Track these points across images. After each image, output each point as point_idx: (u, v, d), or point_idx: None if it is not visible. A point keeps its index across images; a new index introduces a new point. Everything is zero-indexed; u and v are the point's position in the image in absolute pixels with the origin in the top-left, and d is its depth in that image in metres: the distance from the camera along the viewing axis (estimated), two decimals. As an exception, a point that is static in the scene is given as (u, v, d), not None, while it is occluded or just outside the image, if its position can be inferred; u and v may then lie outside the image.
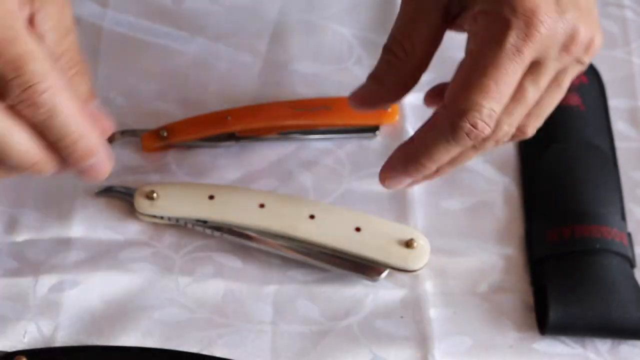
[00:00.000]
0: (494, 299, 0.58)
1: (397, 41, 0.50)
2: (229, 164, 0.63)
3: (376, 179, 0.62)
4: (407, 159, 0.51)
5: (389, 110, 0.63)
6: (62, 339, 0.55)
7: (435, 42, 0.50)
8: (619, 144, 0.64)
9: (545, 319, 0.55)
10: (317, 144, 0.64)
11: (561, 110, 0.63)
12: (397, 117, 0.64)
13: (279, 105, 0.63)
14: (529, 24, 0.45)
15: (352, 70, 0.67)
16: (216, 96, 0.66)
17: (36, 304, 0.56)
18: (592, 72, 0.66)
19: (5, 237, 0.59)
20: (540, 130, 0.63)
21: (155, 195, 0.59)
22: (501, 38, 0.46)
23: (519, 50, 0.46)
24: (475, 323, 0.57)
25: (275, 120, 0.62)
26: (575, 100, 0.64)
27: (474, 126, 0.47)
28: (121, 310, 0.56)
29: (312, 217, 0.58)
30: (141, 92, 0.65)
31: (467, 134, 0.47)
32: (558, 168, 0.61)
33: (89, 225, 0.60)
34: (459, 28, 0.51)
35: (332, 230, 0.57)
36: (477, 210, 0.61)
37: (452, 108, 0.47)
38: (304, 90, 0.66)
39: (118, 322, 0.56)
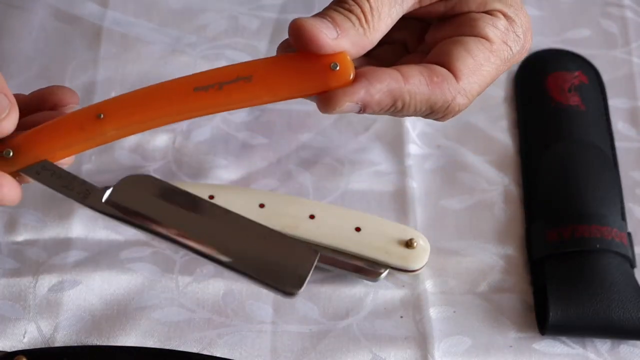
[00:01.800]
0: (494, 299, 0.58)
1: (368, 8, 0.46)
2: (229, 164, 0.63)
3: (376, 179, 0.62)
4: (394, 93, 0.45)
5: (337, 68, 0.45)
6: (62, 339, 0.55)
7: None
8: (619, 144, 0.64)
9: (545, 319, 0.55)
10: (317, 143, 0.64)
11: (561, 110, 0.64)
12: (350, 77, 0.45)
13: (173, 86, 0.46)
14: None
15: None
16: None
17: (36, 304, 0.56)
18: (592, 72, 0.66)
19: (5, 237, 0.59)
20: (540, 130, 0.64)
21: (155, 195, 0.59)
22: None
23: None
24: (475, 323, 0.57)
25: (165, 108, 0.45)
26: (575, 100, 0.64)
27: (460, 108, 0.47)
28: (121, 310, 0.56)
29: (312, 217, 0.58)
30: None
31: (457, 112, 0.48)
32: (558, 168, 0.61)
33: (89, 225, 0.60)
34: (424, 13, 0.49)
35: (332, 230, 0.57)
36: (477, 210, 0.61)
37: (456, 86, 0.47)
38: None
39: (118, 322, 0.56)
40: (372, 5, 0.46)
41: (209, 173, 0.62)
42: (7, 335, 0.55)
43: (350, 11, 0.45)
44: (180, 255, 0.59)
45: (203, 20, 0.69)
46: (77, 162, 0.62)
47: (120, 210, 0.44)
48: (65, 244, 0.59)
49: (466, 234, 0.60)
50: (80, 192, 0.45)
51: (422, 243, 0.57)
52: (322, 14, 0.46)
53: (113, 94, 0.65)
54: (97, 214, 0.60)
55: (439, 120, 0.48)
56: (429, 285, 0.58)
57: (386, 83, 0.45)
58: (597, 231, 0.57)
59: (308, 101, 0.66)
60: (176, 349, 0.55)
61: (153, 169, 0.62)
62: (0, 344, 0.55)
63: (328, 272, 0.58)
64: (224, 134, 0.64)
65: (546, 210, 0.60)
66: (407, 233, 0.57)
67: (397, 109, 0.46)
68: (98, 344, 0.55)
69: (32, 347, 0.55)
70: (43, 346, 0.55)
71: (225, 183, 0.62)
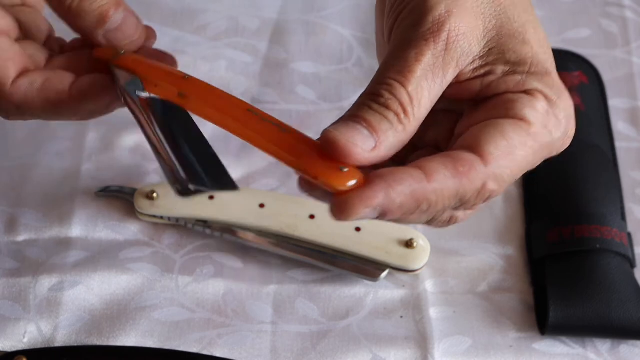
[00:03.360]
0: (494, 299, 0.58)
1: (406, 100, 0.41)
2: (229, 164, 0.62)
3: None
4: (417, 197, 0.40)
5: (345, 170, 0.40)
6: (62, 339, 0.55)
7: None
8: (619, 144, 0.64)
9: (545, 319, 0.55)
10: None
11: (561, 110, 0.64)
12: (355, 184, 0.40)
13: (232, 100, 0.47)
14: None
15: (352, 71, 0.67)
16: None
17: (36, 304, 0.56)
18: (592, 72, 0.66)
19: (5, 237, 0.59)
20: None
21: (155, 195, 0.59)
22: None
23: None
24: (475, 323, 0.57)
25: (226, 112, 0.47)
26: (575, 100, 0.64)
27: (491, 194, 0.42)
28: (121, 310, 0.56)
29: (312, 217, 0.58)
30: (141, 92, 0.65)
31: (488, 198, 0.42)
32: (558, 168, 0.61)
33: (89, 225, 0.60)
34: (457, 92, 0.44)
35: (332, 230, 0.57)
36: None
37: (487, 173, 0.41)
38: (304, 90, 0.66)
39: (118, 322, 0.56)
40: (411, 94, 0.40)
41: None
42: (7, 335, 0.55)
43: (387, 107, 0.40)
44: (180, 255, 0.59)
45: (203, 20, 0.69)
46: (77, 161, 0.62)
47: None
48: (65, 244, 0.59)
49: (466, 234, 0.60)
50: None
51: (422, 243, 0.57)
52: (356, 117, 0.40)
53: (113, 94, 0.65)
54: (97, 214, 0.60)
55: (470, 210, 0.44)
56: (429, 285, 0.58)
57: (408, 184, 0.39)
58: (597, 231, 0.57)
59: (308, 101, 0.66)
60: (176, 349, 0.55)
61: (153, 169, 0.62)
62: (0, 344, 0.55)
63: (328, 272, 0.58)
64: (224, 134, 0.64)
65: (546, 210, 0.60)
66: (407, 233, 0.57)
67: (422, 210, 0.40)
68: (98, 344, 0.55)
69: (32, 347, 0.55)
70: (43, 346, 0.55)
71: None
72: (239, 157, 0.63)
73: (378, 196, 0.39)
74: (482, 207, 0.44)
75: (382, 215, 0.40)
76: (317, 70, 0.67)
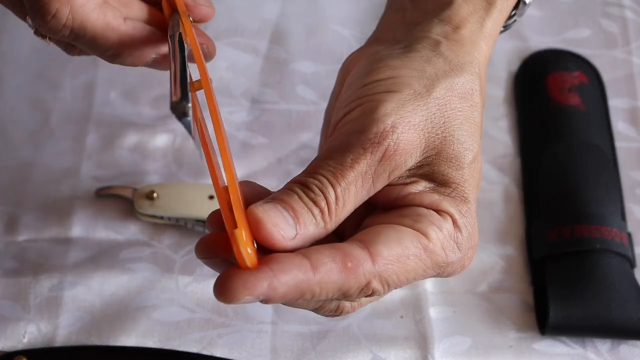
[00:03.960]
0: (494, 299, 0.58)
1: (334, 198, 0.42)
2: (229, 164, 0.63)
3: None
4: (301, 286, 0.40)
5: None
6: (62, 339, 0.55)
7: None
8: (619, 144, 0.64)
9: (545, 319, 0.55)
10: (317, 143, 0.64)
11: (561, 110, 0.64)
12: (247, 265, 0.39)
13: None
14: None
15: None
16: (216, 96, 0.66)
17: (36, 304, 0.56)
18: (592, 72, 0.66)
19: (5, 237, 0.59)
20: (540, 130, 0.63)
21: (155, 195, 0.59)
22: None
23: None
24: (475, 323, 0.57)
25: None
26: (575, 100, 0.64)
27: (374, 293, 0.42)
28: (121, 310, 0.56)
29: (312, 217, 0.58)
30: (141, 92, 0.65)
31: (371, 295, 0.43)
32: (558, 168, 0.61)
33: (89, 225, 0.60)
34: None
35: (332, 230, 0.57)
36: (477, 210, 0.61)
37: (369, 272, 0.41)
38: (304, 90, 0.66)
39: (118, 322, 0.56)
40: (338, 195, 0.42)
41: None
42: (7, 335, 0.55)
43: (315, 203, 0.41)
44: (180, 255, 0.59)
45: (203, 20, 0.69)
46: (77, 161, 0.62)
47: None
48: (65, 244, 0.59)
49: (466, 234, 0.60)
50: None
51: (422, 243, 0.57)
52: (285, 204, 0.41)
53: (113, 95, 0.65)
54: (97, 214, 0.60)
55: (354, 301, 0.45)
56: (428, 285, 0.58)
57: (292, 275, 0.39)
58: (597, 231, 0.57)
59: (308, 101, 0.66)
60: (176, 349, 0.55)
61: (153, 169, 0.62)
62: (0, 344, 0.55)
63: (328, 272, 0.58)
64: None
65: (546, 210, 0.60)
66: (407, 233, 0.57)
67: (306, 299, 0.41)
68: (98, 344, 0.55)
69: (32, 347, 0.55)
70: (43, 346, 0.55)
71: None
72: (239, 157, 0.63)
73: (262, 285, 0.38)
74: (365, 302, 0.45)
75: (265, 302, 0.40)
76: (317, 70, 0.67)
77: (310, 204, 0.41)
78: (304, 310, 0.57)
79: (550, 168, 0.61)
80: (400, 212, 0.43)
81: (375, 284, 0.41)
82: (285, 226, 0.40)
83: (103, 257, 0.58)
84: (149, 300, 0.57)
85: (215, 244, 0.41)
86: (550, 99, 0.64)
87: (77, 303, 0.57)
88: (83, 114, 0.64)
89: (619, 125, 0.65)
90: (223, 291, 0.39)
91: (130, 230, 0.60)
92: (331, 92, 0.49)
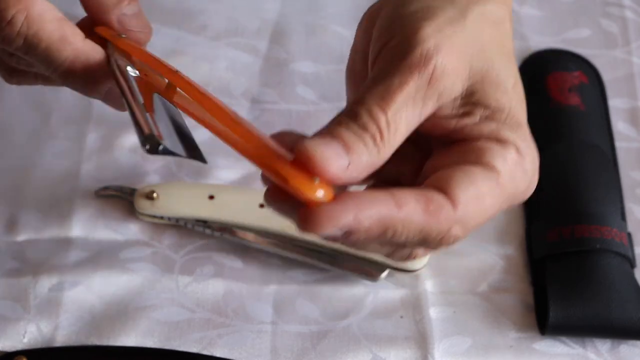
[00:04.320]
0: (494, 299, 0.58)
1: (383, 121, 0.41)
2: (229, 164, 0.63)
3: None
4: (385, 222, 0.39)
5: (317, 182, 0.39)
6: (62, 339, 0.55)
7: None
8: (619, 144, 0.64)
9: (545, 319, 0.55)
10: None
11: (561, 110, 0.64)
12: (326, 199, 0.39)
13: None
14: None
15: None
16: (216, 96, 0.66)
17: (36, 304, 0.56)
18: (592, 72, 0.66)
19: (5, 237, 0.59)
20: (540, 130, 0.63)
21: (155, 195, 0.59)
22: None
23: None
24: (475, 323, 0.57)
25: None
26: (575, 100, 0.64)
27: (454, 240, 0.42)
28: (121, 310, 0.56)
29: (312, 217, 0.58)
30: (141, 92, 0.65)
31: (450, 243, 0.42)
32: (558, 168, 0.61)
33: (89, 225, 0.60)
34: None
35: (332, 230, 0.57)
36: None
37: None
38: (304, 90, 0.66)
39: (118, 322, 0.56)
40: (389, 120, 0.40)
41: (209, 173, 0.62)
42: (7, 335, 0.55)
43: (365, 129, 0.40)
44: (180, 255, 0.59)
45: (203, 20, 0.69)
46: (77, 161, 0.62)
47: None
48: (65, 244, 0.59)
49: (466, 234, 0.60)
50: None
51: (422, 243, 0.57)
52: (332, 135, 0.40)
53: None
54: (98, 214, 0.60)
55: (430, 250, 0.44)
56: (429, 285, 0.58)
57: (377, 209, 0.38)
58: (597, 231, 0.57)
59: (308, 101, 0.66)
60: (176, 349, 0.55)
61: (153, 169, 0.62)
62: (0, 344, 0.55)
63: (328, 272, 0.58)
64: (224, 134, 0.64)
65: (546, 210, 0.60)
66: (407, 233, 0.57)
67: (386, 237, 0.40)
68: (98, 344, 0.55)
69: (32, 347, 0.55)
70: (43, 346, 0.55)
71: (225, 183, 0.62)
72: (239, 157, 0.63)
73: (347, 216, 0.38)
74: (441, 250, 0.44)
75: (347, 236, 0.39)
76: (317, 70, 0.67)
77: (360, 131, 0.40)
78: (304, 310, 0.57)
79: (550, 168, 0.61)
80: (460, 149, 0.42)
81: (456, 230, 0.41)
82: (335, 155, 0.39)
83: (103, 257, 0.58)
84: (149, 300, 0.57)
85: (283, 192, 0.40)
86: (550, 99, 0.64)
87: (77, 303, 0.57)
88: (83, 114, 0.64)
89: (619, 125, 0.65)
90: (308, 220, 0.38)
91: (130, 230, 0.60)
92: (351, 47, 0.48)
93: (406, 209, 0.39)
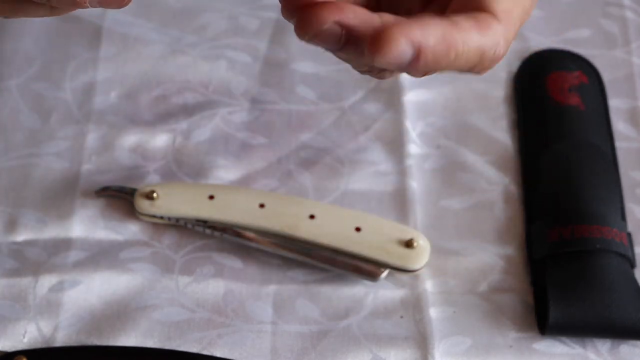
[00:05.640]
0: (494, 299, 0.58)
1: None
2: (229, 164, 0.63)
3: (376, 179, 0.62)
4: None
5: None
6: (62, 339, 0.55)
7: None
8: (619, 144, 0.64)
9: (545, 319, 0.55)
10: (317, 143, 0.64)
11: (561, 110, 0.64)
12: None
13: None
14: None
15: (352, 71, 0.67)
16: (217, 96, 0.66)
17: (36, 304, 0.56)
18: (592, 72, 0.66)
19: (5, 237, 0.59)
20: (540, 130, 0.64)
21: (155, 195, 0.59)
22: None
23: None
24: (475, 323, 0.57)
25: None
26: (575, 100, 0.64)
27: (498, 58, 0.43)
28: (121, 310, 0.56)
29: (312, 217, 0.58)
30: (141, 92, 0.65)
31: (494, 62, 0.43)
32: (558, 168, 0.61)
33: (89, 225, 0.60)
34: None
35: (332, 230, 0.57)
36: (477, 210, 0.61)
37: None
38: (304, 90, 0.66)
39: (118, 322, 0.56)
40: None
41: (209, 173, 0.62)
42: (7, 335, 0.55)
43: None
44: (180, 255, 0.59)
45: (203, 20, 0.69)
46: (77, 161, 0.62)
47: None
48: (65, 244, 0.59)
49: (466, 234, 0.60)
50: None
51: (422, 243, 0.57)
52: None
53: (113, 95, 0.65)
54: (98, 214, 0.60)
55: (477, 73, 0.44)
56: (429, 285, 0.58)
57: (440, 27, 0.39)
58: (598, 231, 0.57)
59: (308, 101, 0.66)
60: (176, 349, 0.55)
61: (153, 169, 0.62)
62: (0, 344, 0.55)
63: (328, 272, 0.58)
64: (224, 134, 0.64)
65: (546, 210, 0.60)
66: (407, 233, 0.57)
67: (450, 60, 0.40)
68: (98, 344, 0.55)
69: (32, 347, 0.55)
70: (43, 346, 0.55)
71: (225, 183, 0.62)
72: (239, 157, 0.63)
73: (416, 32, 0.38)
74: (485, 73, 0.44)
75: (416, 59, 0.39)
76: (317, 70, 0.67)
77: None
78: (304, 310, 0.57)
79: (550, 168, 0.61)
80: None
81: (503, 45, 0.42)
82: None
83: (103, 257, 0.58)
84: (149, 300, 0.57)
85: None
86: (550, 99, 0.64)
87: (77, 303, 0.57)
88: (83, 114, 0.64)
89: (619, 125, 0.65)
90: (380, 39, 0.38)
91: (130, 230, 0.60)
92: None
93: (464, 27, 0.40)
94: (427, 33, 0.38)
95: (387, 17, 0.40)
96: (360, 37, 0.40)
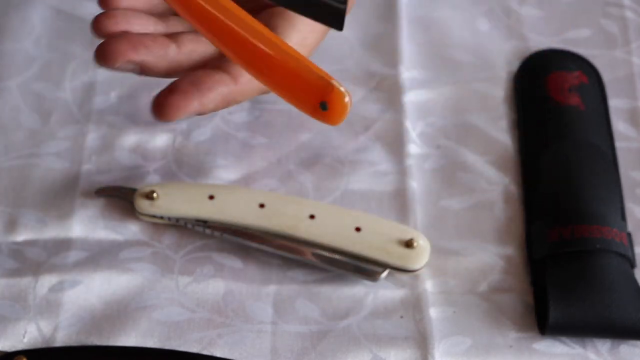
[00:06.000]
0: (494, 299, 0.58)
1: None
2: (228, 164, 0.63)
3: (376, 179, 0.62)
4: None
5: (326, 110, 0.51)
6: (62, 339, 0.55)
7: None
8: (619, 144, 0.64)
9: (545, 319, 0.55)
10: (317, 143, 0.64)
11: (561, 110, 0.64)
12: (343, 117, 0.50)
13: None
14: None
15: (352, 71, 0.67)
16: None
17: (36, 304, 0.56)
18: (592, 72, 0.66)
19: (5, 237, 0.59)
20: (540, 130, 0.64)
21: (155, 195, 0.59)
22: None
23: None
24: (475, 323, 0.57)
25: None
26: (575, 100, 0.64)
27: None
28: (121, 310, 0.56)
29: (312, 217, 0.58)
30: (141, 92, 0.65)
31: None
32: (558, 168, 0.61)
33: (89, 225, 0.60)
34: None
35: (332, 230, 0.57)
36: (477, 210, 0.61)
37: None
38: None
39: (118, 322, 0.56)
40: None
41: (209, 173, 0.62)
42: (7, 335, 0.55)
43: None
44: (180, 255, 0.59)
45: (203, 20, 0.69)
46: (77, 161, 0.62)
47: None
48: (65, 244, 0.59)
49: (466, 234, 0.60)
50: None
51: (422, 243, 0.57)
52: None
53: (113, 95, 0.65)
54: (98, 214, 0.60)
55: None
56: (429, 285, 0.58)
57: (218, 90, 0.48)
58: (598, 231, 0.57)
59: (308, 101, 0.66)
60: (176, 349, 0.55)
61: (153, 169, 0.62)
62: (0, 344, 0.55)
63: (328, 272, 0.58)
64: (224, 134, 0.64)
65: (546, 210, 0.60)
66: (407, 233, 0.57)
67: (229, 106, 0.50)
68: (98, 344, 0.55)
69: (32, 347, 0.55)
70: (43, 346, 0.55)
71: (225, 183, 0.62)
72: (239, 157, 0.63)
73: (193, 104, 0.48)
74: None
75: (197, 114, 0.50)
76: (317, 70, 0.67)
77: None
78: (304, 310, 0.57)
79: (550, 168, 0.61)
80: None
81: None
82: None
83: (103, 257, 0.58)
84: (149, 300, 0.57)
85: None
86: (550, 99, 0.64)
87: (77, 303, 0.57)
88: (83, 114, 0.64)
89: (619, 125, 0.65)
90: (161, 108, 0.48)
91: (130, 230, 0.60)
92: None
93: (241, 79, 0.49)
94: (206, 99, 0.48)
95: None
96: (155, 71, 0.48)
